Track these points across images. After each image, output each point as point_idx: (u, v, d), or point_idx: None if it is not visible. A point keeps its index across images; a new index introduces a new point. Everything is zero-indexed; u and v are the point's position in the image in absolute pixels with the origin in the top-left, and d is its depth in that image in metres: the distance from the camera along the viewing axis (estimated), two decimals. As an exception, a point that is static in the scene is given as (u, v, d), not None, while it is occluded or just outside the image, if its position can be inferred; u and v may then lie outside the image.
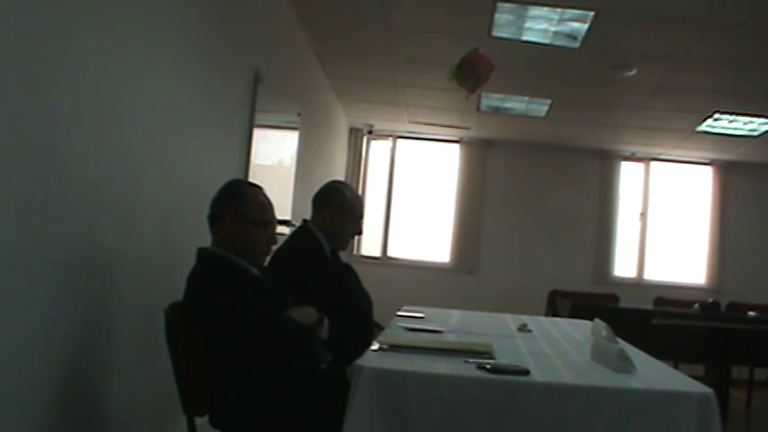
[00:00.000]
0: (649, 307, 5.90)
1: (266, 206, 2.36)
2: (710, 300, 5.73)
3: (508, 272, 7.90)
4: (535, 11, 4.33)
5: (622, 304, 5.90)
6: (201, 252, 2.29)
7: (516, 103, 6.61)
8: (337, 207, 2.92)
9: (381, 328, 2.81)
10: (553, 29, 4.56)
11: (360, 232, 3.05)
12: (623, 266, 8.16)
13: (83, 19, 2.11)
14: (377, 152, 8.40)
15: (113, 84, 2.34)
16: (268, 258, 2.54)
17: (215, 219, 2.31)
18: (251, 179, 3.73)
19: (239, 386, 2.16)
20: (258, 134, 4.07)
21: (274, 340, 2.14)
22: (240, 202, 2.29)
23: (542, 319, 3.82)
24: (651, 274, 8.16)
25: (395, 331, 2.63)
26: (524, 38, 4.75)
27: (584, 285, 7.36)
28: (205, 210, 2.38)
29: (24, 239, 1.89)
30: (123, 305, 2.57)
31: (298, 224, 3.11)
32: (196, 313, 2.16)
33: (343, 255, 3.15)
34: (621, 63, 5.10)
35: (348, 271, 3.08)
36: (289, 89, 4.87)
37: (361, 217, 3.02)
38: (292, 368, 2.20)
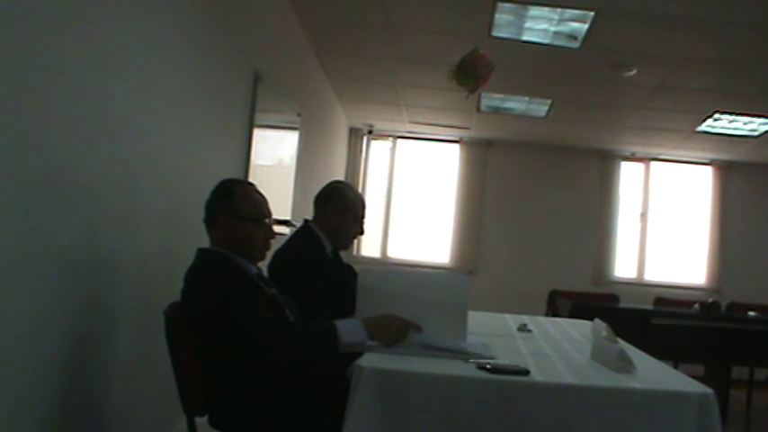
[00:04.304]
0: (649, 307, 5.89)
1: (259, 202, 2.36)
2: (710, 300, 5.73)
3: (508, 272, 7.91)
4: (535, 11, 4.33)
5: (622, 304, 5.89)
6: (200, 251, 2.29)
7: (516, 103, 6.61)
8: (339, 207, 2.92)
9: None
10: (553, 29, 4.57)
11: (362, 232, 3.05)
12: (623, 267, 8.16)
13: (81, 19, 2.11)
14: (377, 152, 8.41)
15: (113, 84, 2.35)
16: (269, 255, 2.53)
17: (210, 221, 2.31)
18: (251, 179, 3.74)
19: (238, 386, 2.16)
20: (258, 134, 4.07)
21: (254, 342, 2.10)
22: (233, 200, 2.29)
23: (542, 319, 3.82)
24: (651, 275, 8.17)
25: None
26: (524, 38, 4.75)
27: (584, 285, 7.37)
28: (205, 210, 2.38)
29: (23, 240, 1.89)
30: (123, 305, 2.57)
31: (298, 224, 3.11)
32: (193, 312, 2.16)
33: (343, 255, 3.14)
34: (621, 63, 5.10)
35: (348, 271, 3.08)
36: (289, 89, 4.87)
37: (363, 217, 3.02)
38: (287, 365, 2.19)
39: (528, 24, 4.54)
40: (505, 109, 6.81)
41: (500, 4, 4.25)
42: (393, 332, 2.15)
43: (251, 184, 2.46)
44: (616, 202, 8.14)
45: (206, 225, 2.33)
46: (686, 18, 4.20)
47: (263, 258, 2.41)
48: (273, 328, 2.11)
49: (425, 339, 2.14)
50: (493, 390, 1.87)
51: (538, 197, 8.10)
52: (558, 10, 4.27)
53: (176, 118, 2.95)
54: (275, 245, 2.58)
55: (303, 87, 5.51)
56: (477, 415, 1.86)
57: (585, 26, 4.42)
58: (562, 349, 2.51)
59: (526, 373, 1.93)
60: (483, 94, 6.17)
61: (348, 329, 2.11)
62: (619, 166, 8.20)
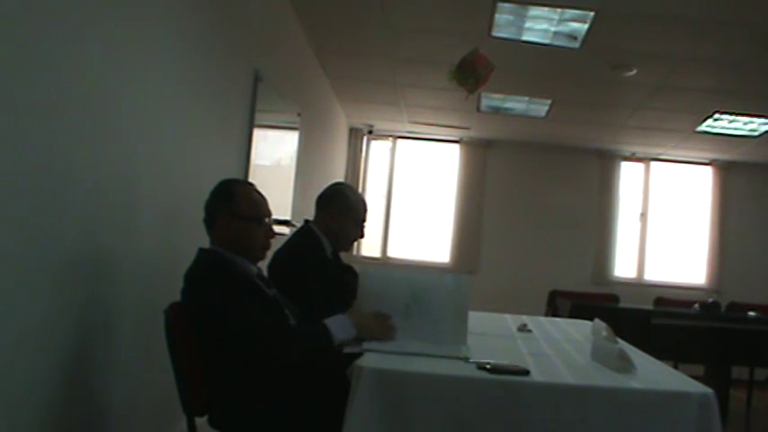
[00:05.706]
0: (649, 307, 5.89)
1: (259, 202, 2.37)
2: (710, 300, 5.73)
3: (508, 272, 7.91)
4: (535, 11, 4.33)
5: (622, 304, 5.89)
6: (200, 251, 2.30)
7: (516, 103, 6.61)
8: (340, 209, 2.92)
9: None
10: (553, 29, 4.57)
11: (362, 236, 3.05)
12: (623, 267, 8.17)
13: (82, 19, 2.11)
14: (377, 152, 8.41)
15: (113, 84, 2.35)
16: (269, 254, 2.53)
17: (210, 221, 2.32)
18: (251, 179, 3.74)
19: (238, 386, 2.16)
20: (258, 134, 4.07)
21: (256, 349, 2.11)
22: (232, 200, 2.30)
23: (542, 319, 3.82)
24: (651, 275, 8.17)
25: None
26: (524, 38, 4.75)
27: (584, 285, 7.37)
28: (205, 210, 2.38)
29: (24, 240, 1.89)
30: (123, 305, 2.57)
31: (298, 224, 3.10)
32: (193, 312, 2.16)
33: (343, 255, 3.14)
34: (621, 63, 5.10)
35: (348, 272, 3.08)
36: (289, 89, 4.87)
37: (363, 220, 3.02)
38: (286, 366, 2.19)
39: (528, 24, 4.54)
40: (505, 109, 6.81)
41: (500, 4, 4.25)
42: (377, 332, 2.27)
43: (251, 184, 2.47)
44: (616, 202, 8.14)
45: (206, 225, 2.33)
46: (686, 18, 4.20)
47: (263, 258, 2.41)
48: (275, 336, 2.13)
49: (425, 349, 2.14)
50: (493, 390, 1.88)
51: (538, 197, 8.10)
52: (558, 10, 4.27)
53: (176, 118, 2.95)
54: (275, 245, 2.58)
55: (303, 87, 5.51)
56: (477, 415, 1.86)
57: (585, 26, 4.42)
58: (562, 349, 2.51)
59: (526, 373, 1.93)
60: (483, 94, 6.17)
61: (338, 328, 2.21)
62: (619, 166, 8.20)
